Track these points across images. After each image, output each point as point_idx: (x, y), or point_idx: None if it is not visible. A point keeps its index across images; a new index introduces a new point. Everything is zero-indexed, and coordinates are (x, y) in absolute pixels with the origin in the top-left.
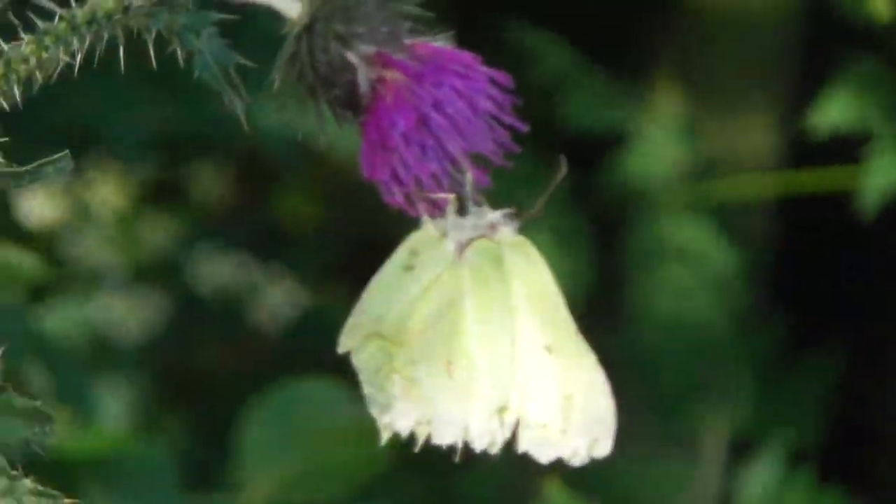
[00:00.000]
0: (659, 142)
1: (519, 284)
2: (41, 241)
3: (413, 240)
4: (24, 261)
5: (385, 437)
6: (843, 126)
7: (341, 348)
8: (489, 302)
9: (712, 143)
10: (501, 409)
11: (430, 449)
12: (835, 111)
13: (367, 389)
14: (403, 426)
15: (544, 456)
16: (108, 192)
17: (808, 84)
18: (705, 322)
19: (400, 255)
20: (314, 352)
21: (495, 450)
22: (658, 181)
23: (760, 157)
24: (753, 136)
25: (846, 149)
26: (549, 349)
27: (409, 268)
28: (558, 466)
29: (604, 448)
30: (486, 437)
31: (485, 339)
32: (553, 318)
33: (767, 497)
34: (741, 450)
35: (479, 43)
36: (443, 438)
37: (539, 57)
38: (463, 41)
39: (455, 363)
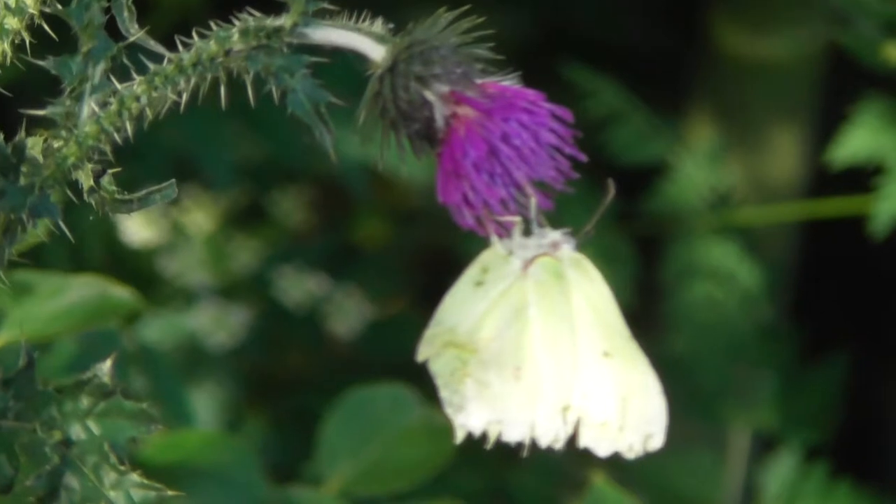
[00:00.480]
0: (693, 171)
1: (578, 296)
2: (141, 260)
3: (483, 258)
4: (122, 294)
5: (459, 435)
6: (860, 158)
7: (420, 356)
8: (552, 312)
9: (741, 173)
10: (564, 409)
11: (483, 445)
12: (852, 145)
13: (442, 393)
14: (476, 426)
15: (602, 451)
16: (201, 216)
17: (829, 121)
18: (733, 332)
19: (471, 271)
20: (383, 358)
21: (558, 446)
22: (692, 207)
23: (785, 186)
24: (779, 166)
25: (862, 179)
26: (606, 354)
27: (479, 283)
28: (601, 460)
29: (657, 443)
30: (550, 435)
31: (549, 346)
32: (609, 326)
33: (786, 488)
34: (764, 446)
35: (541, 81)
36: (512, 436)
37: (591, 94)
38: (528, 80)
39: (522, 368)
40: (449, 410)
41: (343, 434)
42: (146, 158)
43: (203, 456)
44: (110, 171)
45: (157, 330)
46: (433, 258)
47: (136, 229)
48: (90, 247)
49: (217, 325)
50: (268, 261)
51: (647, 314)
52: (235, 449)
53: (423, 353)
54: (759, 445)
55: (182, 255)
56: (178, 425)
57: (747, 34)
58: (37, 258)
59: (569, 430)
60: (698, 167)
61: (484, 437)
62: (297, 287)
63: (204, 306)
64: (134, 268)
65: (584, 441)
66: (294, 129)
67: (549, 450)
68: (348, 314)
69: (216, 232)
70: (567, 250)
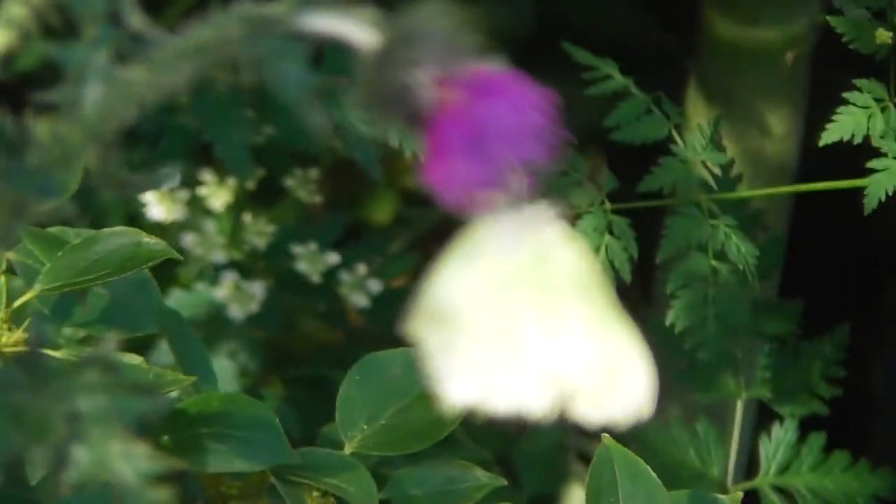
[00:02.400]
0: (691, 151)
1: (565, 270)
2: (165, 233)
3: (470, 235)
4: (154, 244)
5: (448, 407)
6: (847, 138)
7: (409, 330)
8: (539, 285)
9: (736, 153)
10: (553, 380)
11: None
12: (841, 126)
13: (430, 365)
14: (464, 397)
15: (594, 419)
16: (221, 193)
17: (819, 103)
18: (730, 306)
19: (459, 248)
20: (392, 328)
21: (548, 416)
22: (690, 184)
23: (777, 166)
24: (771, 146)
25: (850, 158)
26: (592, 326)
27: (466, 259)
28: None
29: (646, 411)
30: (539, 405)
31: (535, 319)
32: (596, 299)
33: (784, 457)
34: (762, 417)
35: (539, 71)
36: (500, 407)
37: (592, 76)
38: (525, 69)
39: (508, 340)
40: (437, 382)
41: (360, 397)
42: (163, 141)
43: (223, 416)
44: (117, 153)
45: (181, 301)
46: (442, 233)
47: (158, 207)
48: (112, 224)
49: (237, 295)
50: (283, 236)
51: (645, 290)
52: (256, 408)
53: (412, 326)
54: (757, 417)
55: (204, 231)
56: (202, 386)
57: (739, 22)
58: None
59: (559, 401)
60: (695, 147)
61: (479, 409)
62: (311, 261)
63: (222, 279)
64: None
65: (574, 410)
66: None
67: (544, 421)
68: (359, 285)
69: (234, 209)
70: (552, 225)
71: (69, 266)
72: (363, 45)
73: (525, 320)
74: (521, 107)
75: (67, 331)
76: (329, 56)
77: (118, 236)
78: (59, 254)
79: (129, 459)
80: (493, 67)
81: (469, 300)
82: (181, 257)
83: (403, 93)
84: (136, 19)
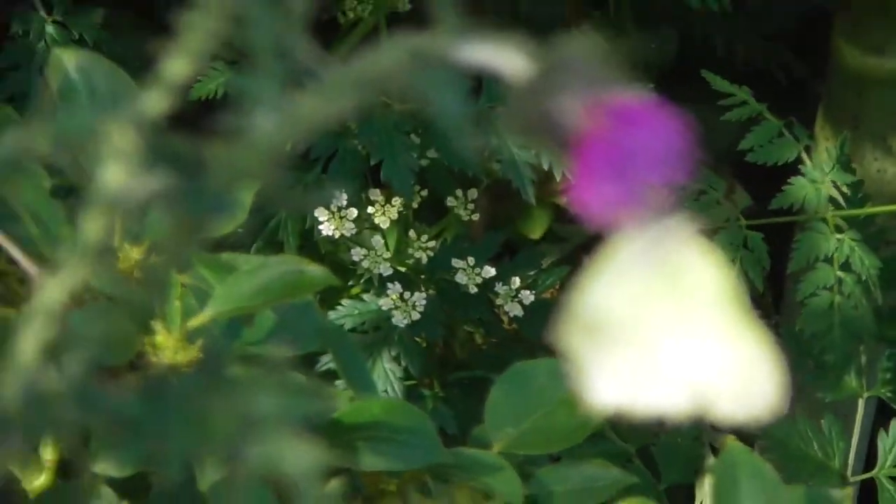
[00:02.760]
0: (819, 173)
1: (703, 282)
2: (336, 248)
3: (614, 248)
4: (315, 272)
5: (591, 410)
6: None
7: (557, 337)
8: (675, 295)
9: (860, 172)
10: (688, 383)
11: (630, 417)
12: None
13: (576, 370)
14: (607, 401)
15: (726, 420)
16: (389, 212)
17: None
18: (853, 314)
19: (601, 260)
20: (542, 335)
21: (684, 416)
22: (818, 203)
23: None
24: (893, 167)
25: None
26: (727, 332)
27: (610, 271)
28: (735, 428)
29: (776, 411)
30: (678, 407)
31: (672, 326)
32: (732, 308)
33: None
34: (883, 415)
35: (681, 98)
36: (641, 409)
37: (729, 102)
38: (667, 96)
39: (648, 347)
40: (583, 387)
41: (507, 402)
42: (334, 163)
43: (382, 423)
44: (288, 174)
45: (347, 310)
46: (590, 248)
47: (327, 224)
48: (286, 239)
49: (399, 306)
50: (444, 251)
51: (777, 299)
52: (413, 415)
53: (560, 334)
54: (877, 415)
55: (371, 246)
56: (362, 394)
57: (866, 52)
58: (235, 249)
59: (694, 402)
60: (823, 168)
61: (619, 411)
62: (469, 274)
63: (387, 290)
64: (326, 256)
65: (708, 412)
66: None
67: (683, 420)
68: (513, 298)
69: (399, 225)
70: (691, 240)
71: (239, 291)
72: (516, 74)
73: (666, 329)
74: (662, 133)
75: (237, 349)
76: (488, 85)
77: (283, 264)
78: (231, 279)
79: (297, 457)
80: (637, 95)
81: (614, 311)
82: (339, 282)
83: (553, 119)
84: (306, 51)
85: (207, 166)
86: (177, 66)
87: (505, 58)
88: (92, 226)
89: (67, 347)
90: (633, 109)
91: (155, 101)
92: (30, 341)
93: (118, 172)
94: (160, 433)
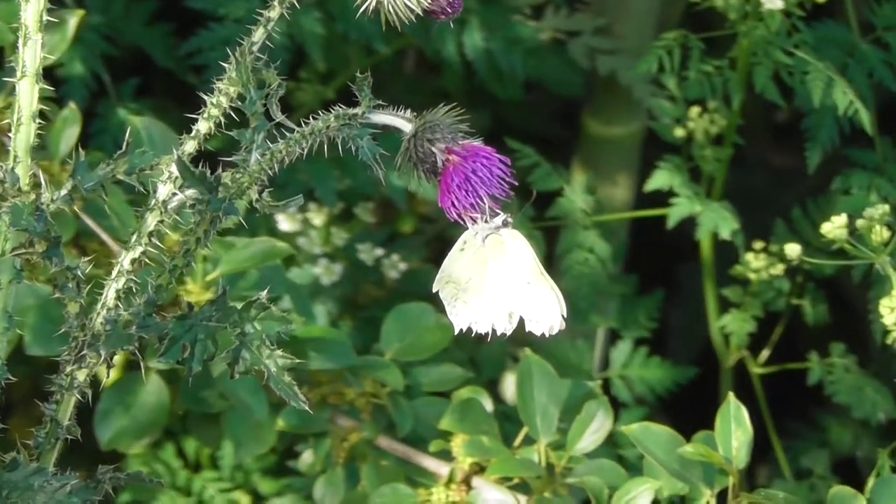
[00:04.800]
0: (574, 195)
1: (513, 252)
2: (286, 238)
3: (464, 236)
4: (282, 246)
5: (456, 330)
6: (662, 187)
7: (434, 288)
8: (499, 262)
9: (599, 196)
10: (510, 313)
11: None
12: (657, 180)
13: (446, 309)
14: (462, 325)
15: (535, 332)
16: (319, 217)
17: (646, 168)
18: (595, 278)
19: (458, 242)
20: (415, 291)
21: (508, 333)
22: (574, 213)
23: (621, 202)
24: (618, 192)
25: (663, 198)
26: (530, 283)
27: (462, 249)
28: (527, 343)
29: (559, 329)
30: (503, 328)
31: (499, 280)
32: (532, 268)
33: (623, 364)
34: (612, 338)
35: (495, 147)
36: (482, 329)
37: (521, 154)
38: (492, 142)
39: (485, 293)
40: (449, 317)
41: (394, 329)
42: (287, 186)
43: (319, 340)
44: (266, 190)
45: (296, 275)
46: (441, 239)
47: (285, 223)
48: (260, 232)
49: (327, 272)
50: (353, 241)
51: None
52: (338, 335)
53: (435, 287)
54: (612, 338)
55: (309, 237)
56: (309, 322)
57: (602, 123)
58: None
59: (512, 325)
60: (578, 192)
61: (467, 330)
62: (367, 253)
63: (319, 263)
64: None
65: (527, 328)
66: (365, 169)
67: (502, 336)
68: (396, 267)
69: (326, 225)
70: (506, 229)
71: (236, 258)
72: (404, 129)
73: (494, 282)
74: (492, 164)
75: (235, 294)
76: (385, 137)
77: (263, 243)
78: (231, 251)
79: (272, 359)
80: (475, 143)
81: (463, 271)
82: (296, 251)
83: (427, 156)
84: (279, 116)
85: (220, 185)
86: (201, 126)
87: (398, 120)
88: (150, 220)
89: (134, 293)
90: (474, 150)
91: (189, 147)
92: (111, 290)
93: (166, 188)
94: (188, 343)
